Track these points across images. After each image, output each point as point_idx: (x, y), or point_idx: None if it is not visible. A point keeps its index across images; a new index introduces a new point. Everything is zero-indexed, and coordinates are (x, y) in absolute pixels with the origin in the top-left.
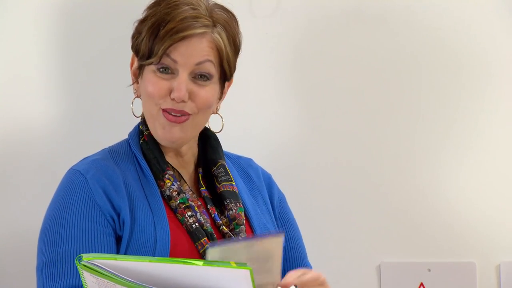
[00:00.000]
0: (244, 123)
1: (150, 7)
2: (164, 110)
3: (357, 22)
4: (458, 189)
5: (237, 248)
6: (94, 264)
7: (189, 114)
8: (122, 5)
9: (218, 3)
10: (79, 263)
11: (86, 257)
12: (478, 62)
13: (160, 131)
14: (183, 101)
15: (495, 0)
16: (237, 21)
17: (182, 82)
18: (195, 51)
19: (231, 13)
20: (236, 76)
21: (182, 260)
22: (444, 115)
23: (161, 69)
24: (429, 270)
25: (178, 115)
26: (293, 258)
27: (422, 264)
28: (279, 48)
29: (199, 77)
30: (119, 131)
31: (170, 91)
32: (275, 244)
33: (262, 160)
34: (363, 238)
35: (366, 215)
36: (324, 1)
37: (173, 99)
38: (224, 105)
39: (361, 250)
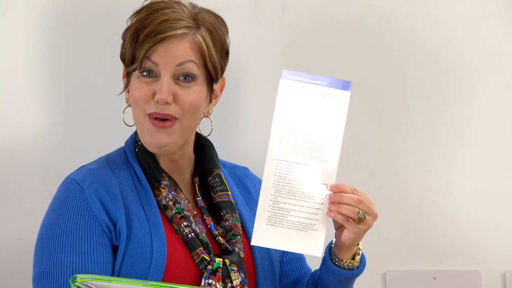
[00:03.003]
0: (247, 129)
1: (133, 16)
2: (150, 116)
3: (361, 30)
4: (464, 198)
5: None
6: (88, 285)
7: (175, 118)
8: (117, 9)
9: (207, 8)
10: (73, 283)
11: (81, 278)
12: (469, 68)
13: (147, 138)
14: (167, 103)
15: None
16: (225, 26)
17: (164, 83)
18: (176, 52)
19: (219, 17)
20: (240, 82)
21: (176, 285)
22: (455, 121)
23: (144, 73)
24: (435, 278)
25: (163, 119)
26: (292, 260)
27: (427, 272)
28: (284, 55)
29: (183, 78)
30: (114, 137)
31: (154, 95)
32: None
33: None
34: (368, 246)
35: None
36: (329, 9)
37: (157, 102)
38: (227, 111)
39: (366, 258)
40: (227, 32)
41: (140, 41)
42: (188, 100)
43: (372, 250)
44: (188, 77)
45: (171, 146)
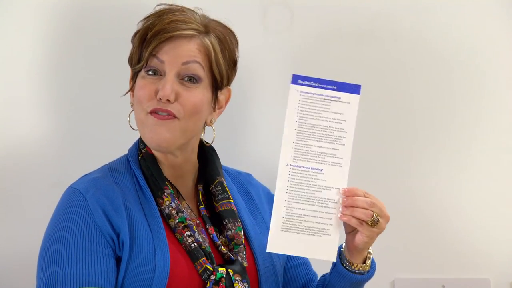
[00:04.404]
0: (256, 137)
1: (142, 20)
2: (151, 113)
3: (369, 37)
4: (473, 206)
5: None
6: None
7: (175, 117)
8: (123, 10)
9: (217, 19)
10: None
11: None
12: (477, 75)
13: (148, 134)
14: (169, 101)
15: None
16: (236, 39)
17: (168, 81)
18: (182, 51)
19: (230, 30)
20: (249, 90)
21: None
22: (464, 126)
23: (149, 72)
24: (443, 287)
25: (164, 113)
26: (298, 265)
27: (436, 280)
28: (293, 63)
29: (187, 80)
30: (119, 141)
31: (157, 93)
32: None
33: (266, 173)
34: (377, 254)
35: None
36: (337, 16)
37: (159, 100)
38: (235, 118)
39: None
40: (237, 45)
41: (148, 40)
42: (190, 101)
43: (381, 258)
44: (193, 79)
45: (170, 143)
